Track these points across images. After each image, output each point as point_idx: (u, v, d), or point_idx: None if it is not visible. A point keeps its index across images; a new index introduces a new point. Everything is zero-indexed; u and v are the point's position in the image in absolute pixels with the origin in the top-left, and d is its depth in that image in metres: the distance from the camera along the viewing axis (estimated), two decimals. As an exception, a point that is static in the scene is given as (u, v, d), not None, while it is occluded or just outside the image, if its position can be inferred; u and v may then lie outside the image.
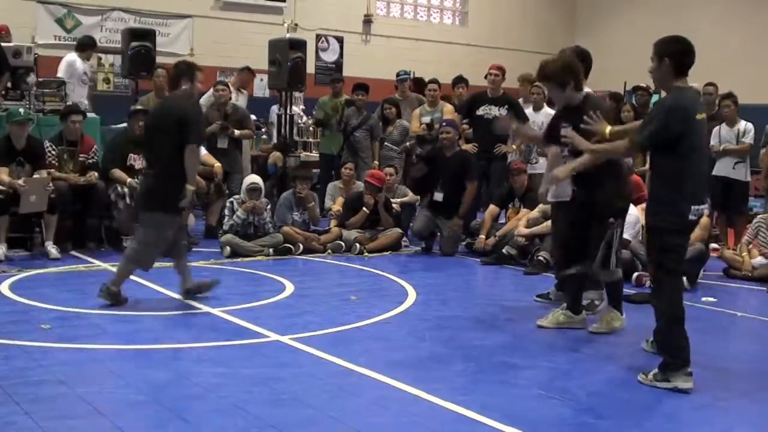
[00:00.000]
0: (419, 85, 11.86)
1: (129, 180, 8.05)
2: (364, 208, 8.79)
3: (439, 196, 8.76)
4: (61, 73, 9.86)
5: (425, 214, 8.89)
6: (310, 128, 12.45)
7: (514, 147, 9.26)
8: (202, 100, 10.55)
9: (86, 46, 10.39)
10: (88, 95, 10.30)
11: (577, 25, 19.68)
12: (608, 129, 4.93)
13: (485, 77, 9.71)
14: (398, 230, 8.91)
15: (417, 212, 9.25)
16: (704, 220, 7.64)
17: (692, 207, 4.49)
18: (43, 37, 13.14)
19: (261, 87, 14.18)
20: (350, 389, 4.29)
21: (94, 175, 8.04)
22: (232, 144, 9.74)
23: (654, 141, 4.51)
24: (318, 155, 11.50)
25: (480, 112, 9.36)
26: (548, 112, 9.11)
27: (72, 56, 10.23)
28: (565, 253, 5.56)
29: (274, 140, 11.22)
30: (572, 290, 5.74)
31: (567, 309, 5.75)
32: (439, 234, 8.88)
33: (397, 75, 11.28)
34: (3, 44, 8.91)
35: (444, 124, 9.06)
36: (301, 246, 8.40)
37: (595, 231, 5.31)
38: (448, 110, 9.87)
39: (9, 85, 8.60)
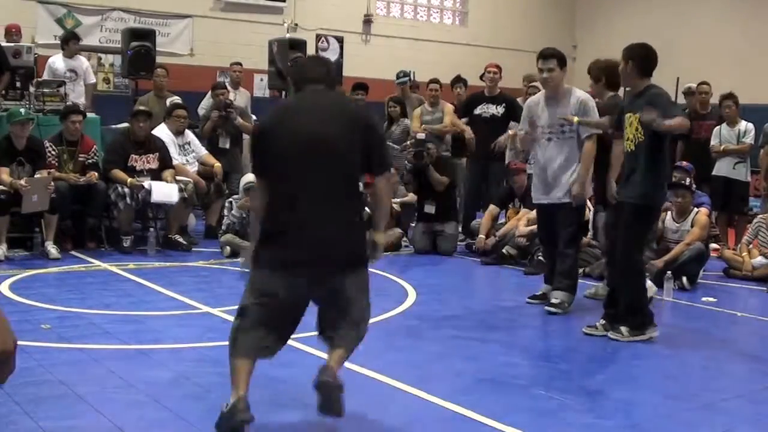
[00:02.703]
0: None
1: (130, 180, 8.05)
2: (366, 209, 8.77)
3: (429, 209, 8.79)
4: (44, 77, 9.78)
5: (422, 232, 8.85)
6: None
7: (510, 132, 9.21)
8: (203, 103, 10.58)
9: (63, 42, 10.30)
10: (85, 92, 10.22)
11: (577, 25, 19.67)
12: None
13: (481, 77, 9.70)
14: (398, 230, 8.92)
15: (414, 227, 9.17)
16: (704, 219, 7.65)
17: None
18: (43, 37, 13.13)
19: (261, 87, 14.17)
20: (350, 389, 4.28)
21: (94, 175, 8.04)
22: (233, 144, 9.74)
23: None
24: None
25: (477, 110, 9.37)
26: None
27: (52, 58, 10.17)
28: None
29: None
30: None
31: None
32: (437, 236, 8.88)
33: (397, 77, 11.26)
34: (4, 44, 8.91)
35: (425, 140, 9.02)
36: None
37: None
38: (448, 110, 9.86)
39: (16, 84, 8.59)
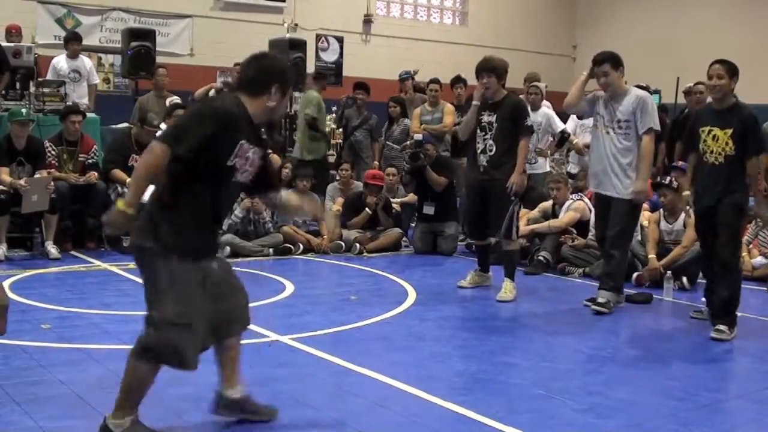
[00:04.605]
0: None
1: (128, 180, 8.04)
2: (367, 209, 8.80)
3: (429, 210, 8.79)
4: (48, 77, 9.78)
5: (422, 232, 8.87)
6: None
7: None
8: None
9: (66, 42, 10.31)
10: (89, 93, 10.21)
11: (577, 25, 19.69)
12: None
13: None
14: (398, 230, 8.92)
15: (414, 227, 9.17)
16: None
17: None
18: (43, 37, 13.16)
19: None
20: (350, 389, 4.29)
21: (94, 174, 8.05)
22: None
23: None
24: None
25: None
26: (546, 112, 9.12)
27: (57, 58, 10.18)
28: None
29: None
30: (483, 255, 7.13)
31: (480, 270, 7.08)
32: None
33: (400, 76, 11.25)
34: (5, 44, 8.91)
35: (423, 141, 9.03)
36: (301, 246, 8.41)
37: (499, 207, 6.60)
38: (448, 110, 9.86)
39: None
